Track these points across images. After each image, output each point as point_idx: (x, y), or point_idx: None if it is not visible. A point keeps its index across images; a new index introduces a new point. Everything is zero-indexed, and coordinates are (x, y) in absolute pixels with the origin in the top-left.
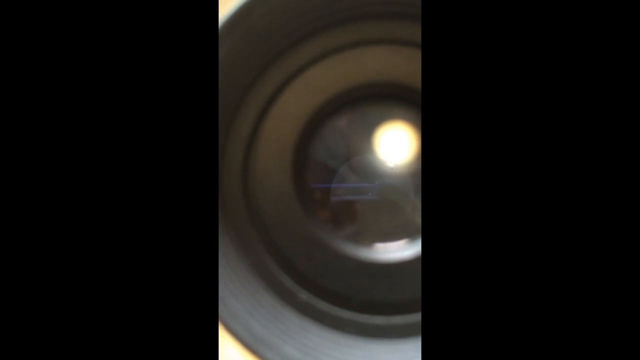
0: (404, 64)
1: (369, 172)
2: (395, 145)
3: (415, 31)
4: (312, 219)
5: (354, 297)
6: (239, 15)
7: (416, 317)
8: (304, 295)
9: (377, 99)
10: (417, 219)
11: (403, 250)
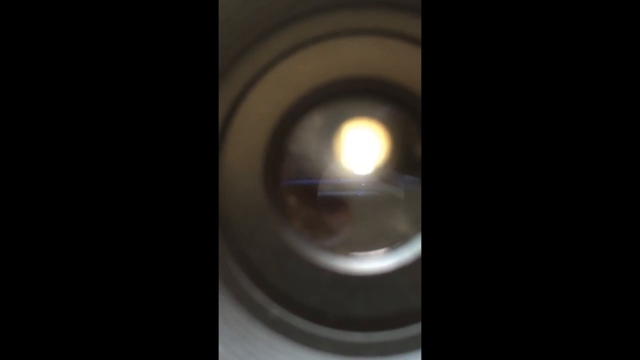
0: (386, 57)
1: (348, 175)
2: (377, 146)
3: (398, 20)
4: (285, 227)
5: (329, 312)
6: None
7: (398, 334)
8: (275, 311)
9: (356, 96)
10: (399, 226)
11: (383, 260)
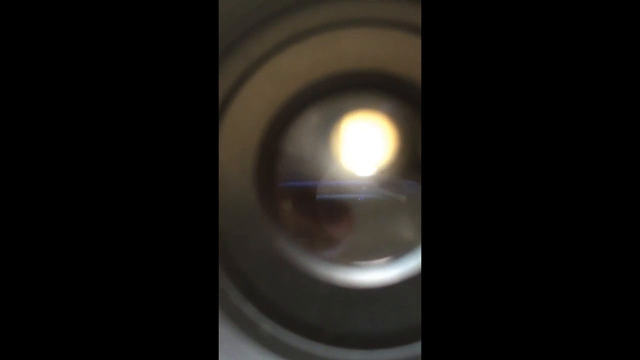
0: (389, 49)
1: (348, 178)
2: (379, 145)
3: (402, 9)
4: (279, 234)
5: (328, 328)
6: None
7: (402, 352)
8: (268, 326)
9: (357, 91)
10: (404, 233)
11: (386, 270)
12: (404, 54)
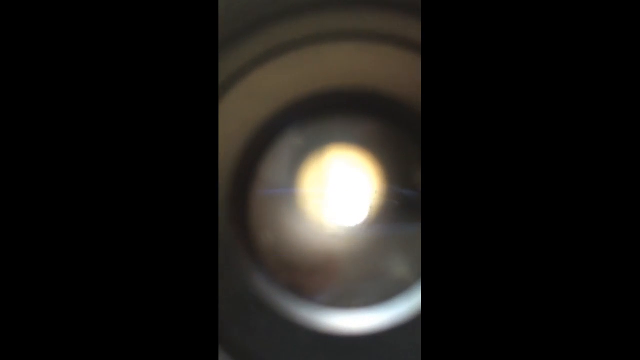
0: (378, 65)
1: (332, 210)
2: (366, 173)
3: (392, 22)
4: (256, 272)
5: None
6: None
7: None
8: None
9: (342, 111)
10: (395, 273)
11: (376, 315)
12: (394, 70)
